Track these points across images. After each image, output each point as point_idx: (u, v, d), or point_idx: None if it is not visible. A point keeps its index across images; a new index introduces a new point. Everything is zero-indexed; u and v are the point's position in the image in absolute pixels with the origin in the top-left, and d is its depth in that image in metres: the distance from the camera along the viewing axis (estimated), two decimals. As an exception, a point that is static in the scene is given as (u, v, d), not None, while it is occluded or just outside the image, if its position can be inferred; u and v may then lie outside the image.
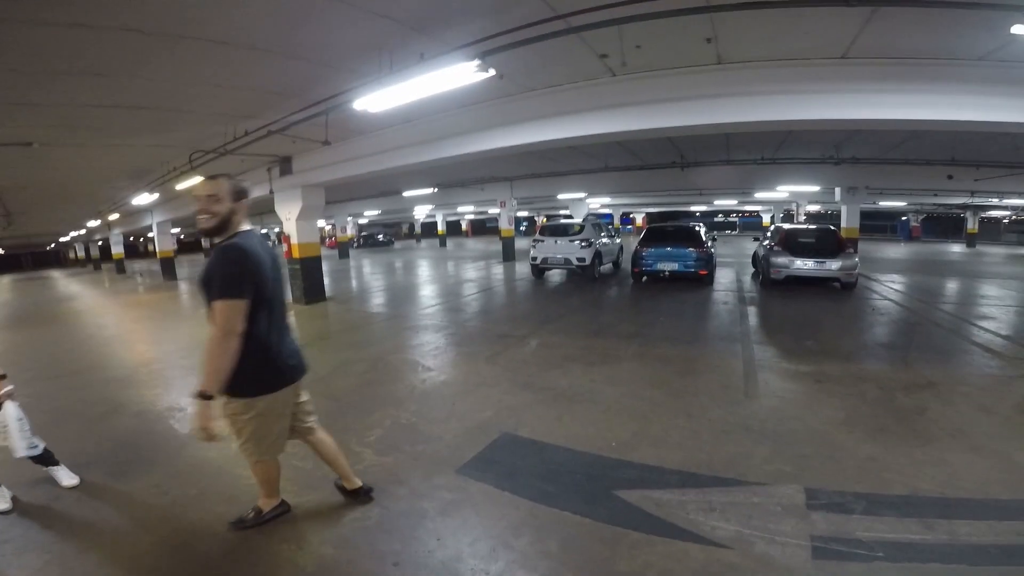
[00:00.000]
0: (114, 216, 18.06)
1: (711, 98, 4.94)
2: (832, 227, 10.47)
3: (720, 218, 42.87)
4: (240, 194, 2.25)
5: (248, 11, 3.60)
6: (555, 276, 13.22)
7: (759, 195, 19.44)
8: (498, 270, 15.57)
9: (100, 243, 31.93)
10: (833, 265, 9.39)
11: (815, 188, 14.85)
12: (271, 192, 10.44)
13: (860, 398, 4.16)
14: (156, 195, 11.84)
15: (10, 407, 2.69)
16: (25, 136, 6.35)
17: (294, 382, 2.36)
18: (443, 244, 33.46)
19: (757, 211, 32.84)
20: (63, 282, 22.70)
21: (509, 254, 18.33)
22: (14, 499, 2.86)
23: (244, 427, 2.23)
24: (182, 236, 38.12)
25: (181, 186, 9.54)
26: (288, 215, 10.23)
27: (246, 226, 2.26)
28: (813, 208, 26.38)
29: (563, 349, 5.93)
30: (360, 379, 5.11)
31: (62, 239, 34.47)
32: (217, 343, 1.99)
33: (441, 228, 35.10)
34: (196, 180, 9.38)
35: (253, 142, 7.05)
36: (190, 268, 23.23)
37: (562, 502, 2.72)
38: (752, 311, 8.06)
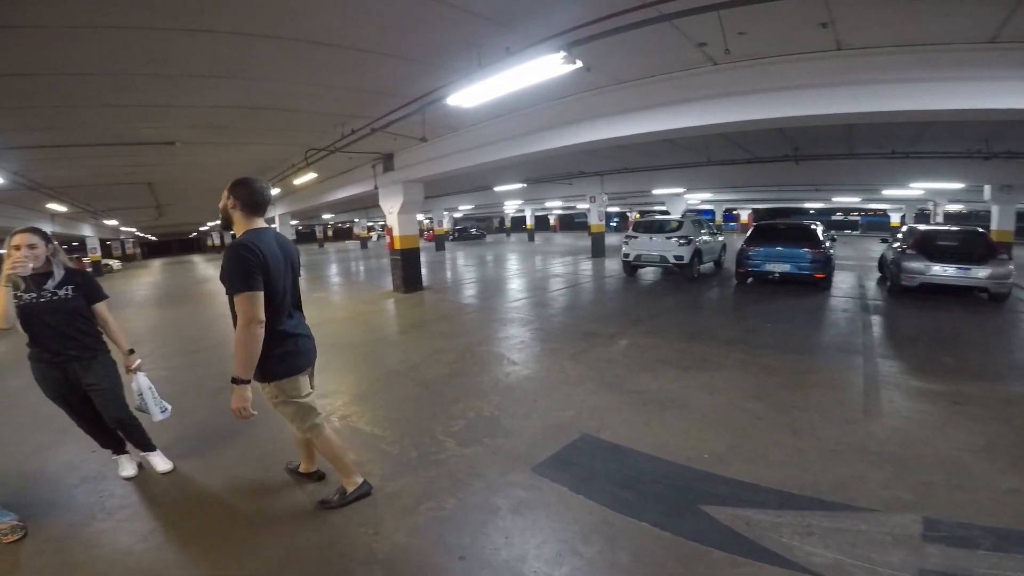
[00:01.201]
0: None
1: (830, 87, 4.49)
2: (980, 229, 9.04)
3: (839, 216, 38.91)
4: (233, 191, 2.35)
5: (351, 13, 3.80)
6: (649, 275, 12.72)
7: (887, 192, 17.27)
8: (586, 266, 15.30)
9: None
10: (980, 272, 8.00)
11: (958, 185, 12.99)
12: (376, 188, 11.10)
13: (1006, 424, 3.54)
14: (278, 190, 13.09)
15: (141, 377, 3.03)
16: (169, 136, 7.23)
17: (312, 363, 2.59)
18: (531, 239, 33.62)
19: (884, 210, 29.26)
20: (201, 266, 25.94)
21: (599, 250, 18.05)
22: (139, 466, 3.21)
23: (285, 409, 2.49)
24: (300, 227, 42.13)
25: (299, 181, 10.44)
26: (391, 209, 10.82)
27: (260, 223, 2.40)
28: (953, 207, 23.11)
29: (654, 351, 5.67)
30: (449, 368, 5.25)
31: (201, 228, 39.35)
32: (241, 332, 2.18)
33: (529, 222, 35.35)
34: (311, 176, 10.27)
35: (358, 140, 7.53)
36: (307, 256, 26.21)
37: (640, 512, 2.59)
38: (877, 320, 7.14)
